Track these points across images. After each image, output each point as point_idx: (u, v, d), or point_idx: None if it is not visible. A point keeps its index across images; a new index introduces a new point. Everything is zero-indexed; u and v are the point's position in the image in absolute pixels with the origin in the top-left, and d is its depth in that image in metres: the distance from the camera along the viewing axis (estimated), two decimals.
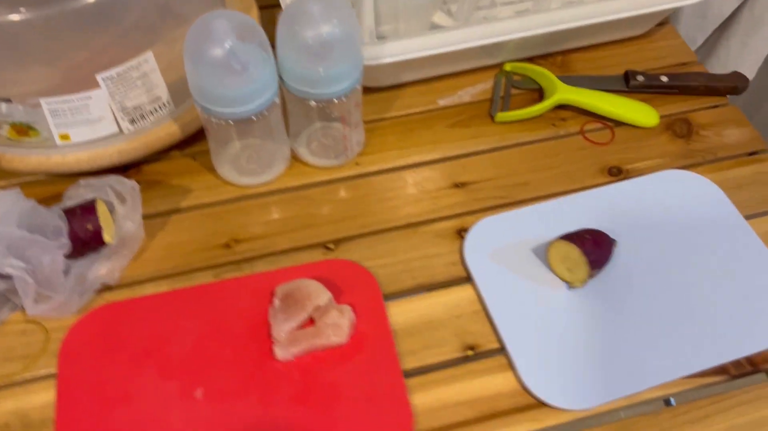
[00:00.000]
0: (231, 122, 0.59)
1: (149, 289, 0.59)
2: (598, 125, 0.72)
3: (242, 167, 0.66)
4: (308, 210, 0.65)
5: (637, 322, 0.56)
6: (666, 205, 0.64)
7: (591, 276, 0.57)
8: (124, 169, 0.67)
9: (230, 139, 0.64)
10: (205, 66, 0.55)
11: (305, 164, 0.68)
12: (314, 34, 0.55)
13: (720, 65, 1.13)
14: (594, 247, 0.56)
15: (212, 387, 0.53)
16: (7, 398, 0.53)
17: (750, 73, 1.15)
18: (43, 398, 0.53)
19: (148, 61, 0.60)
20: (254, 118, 0.59)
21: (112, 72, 0.58)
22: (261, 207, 0.65)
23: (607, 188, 0.66)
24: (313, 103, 0.60)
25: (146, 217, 0.63)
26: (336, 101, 0.60)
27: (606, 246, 0.58)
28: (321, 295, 0.55)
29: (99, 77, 0.58)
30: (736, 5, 1.03)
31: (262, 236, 0.63)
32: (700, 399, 0.53)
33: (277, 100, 0.60)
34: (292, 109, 0.63)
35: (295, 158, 0.68)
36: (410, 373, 0.55)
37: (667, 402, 0.55)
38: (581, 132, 0.71)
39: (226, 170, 0.66)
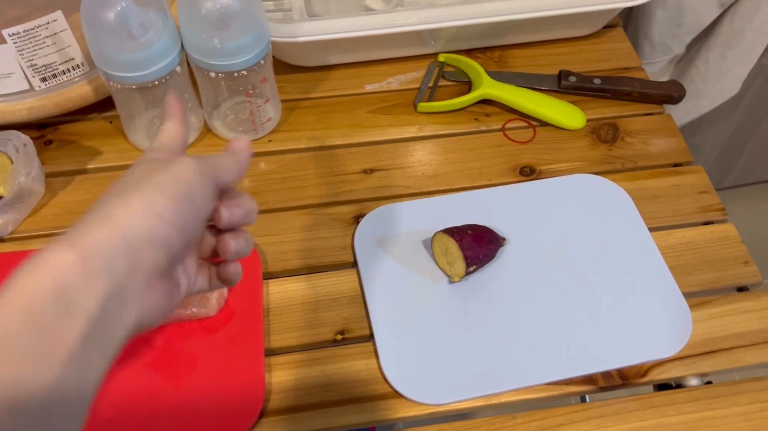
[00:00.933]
0: (133, 87, 0.59)
1: (38, 244, 0.60)
2: (522, 123, 0.71)
3: (154, 134, 0.66)
4: None
5: (512, 323, 0.55)
6: (571, 208, 0.63)
7: (468, 272, 0.56)
8: (40, 126, 0.68)
9: (137, 106, 0.64)
10: (99, 29, 0.55)
11: (218, 137, 0.68)
12: (210, 4, 0.55)
13: (700, 77, 1.10)
14: (474, 243, 0.55)
15: None
16: None
17: (733, 87, 1.11)
18: None
19: (57, 20, 0.60)
20: (155, 85, 0.59)
21: (19, 28, 0.59)
22: None
23: (513, 186, 0.64)
24: (213, 75, 0.60)
25: (51, 175, 0.65)
26: (236, 75, 0.59)
27: (489, 244, 0.57)
28: None
29: (5, 32, 0.59)
30: (714, 16, 1.00)
31: None
32: (559, 407, 0.52)
33: (179, 69, 0.60)
34: (199, 79, 0.63)
35: (209, 130, 0.68)
36: (275, 352, 0.55)
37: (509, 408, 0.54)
38: (502, 129, 0.70)
39: (137, 137, 0.66)
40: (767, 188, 1.56)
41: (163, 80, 0.59)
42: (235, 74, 0.59)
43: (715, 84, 1.10)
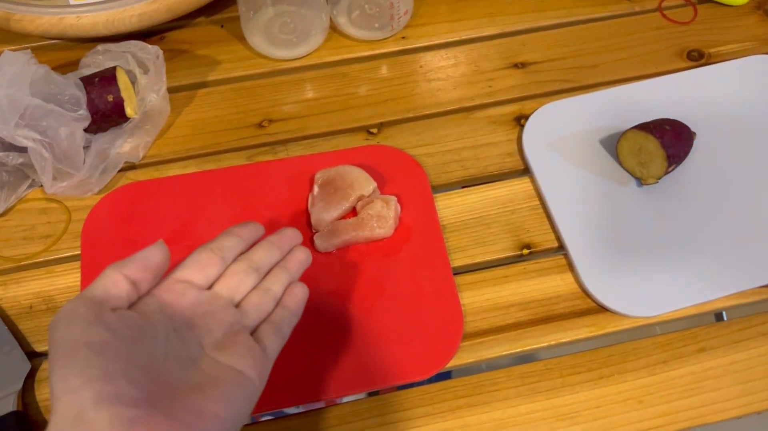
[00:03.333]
0: None
1: (176, 170, 0.54)
2: (680, 1, 0.63)
3: (275, 37, 0.59)
4: (348, 89, 0.58)
5: (712, 225, 0.51)
6: (752, 95, 0.57)
7: (667, 171, 0.51)
8: (145, 36, 0.60)
9: (262, 4, 0.57)
10: None
11: (345, 36, 0.60)
12: None
13: None
14: (674, 139, 0.50)
15: None
16: (29, 279, 0.50)
17: None
18: (67, 280, 0.50)
19: None
20: None
21: None
22: (296, 83, 0.59)
23: (686, 74, 0.58)
24: None
25: (170, 91, 0.58)
26: None
27: (686, 139, 0.51)
28: (365, 184, 0.50)
29: None
30: None
31: (298, 116, 0.57)
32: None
33: None
34: None
35: (334, 29, 0.61)
36: (459, 271, 0.50)
37: (720, 316, 0.51)
38: (659, 8, 0.62)
39: (257, 40, 0.59)
40: None
41: None
42: None
43: None
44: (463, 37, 0.61)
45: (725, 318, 0.56)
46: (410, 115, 0.57)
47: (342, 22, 0.60)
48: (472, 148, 0.55)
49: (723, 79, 0.57)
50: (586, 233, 0.51)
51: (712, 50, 0.60)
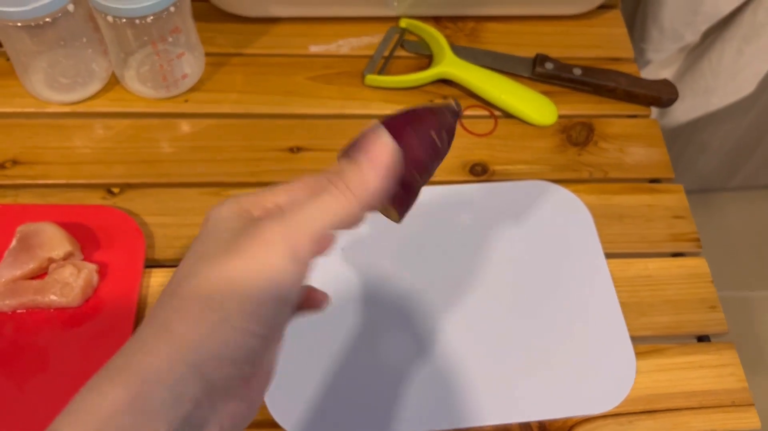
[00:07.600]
0: (18, 25, 0.50)
1: None
2: (483, 112, 0.61)
3: (53, 80, 0.57)
4: (111, 143, 0.56)
5: (422, 354, 0.47)
6: (519, 221, 0.54)
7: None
8: None
9: (26, 48, 0.55)
10: None
11: (127, 91, 0.59)
12: None
13: (711, 72, 0.99)
14: None
15: None
16: None
17: (748, 86, 1.00)
18: None
19: None
20: (44, 24, 0.50)
21: None
22: (59, 129, 0.56)
23: (459, 187, 0.55)
24: (110, 19, 0.50)
25: None
26: (138, 22, 0.50)
27: None
28: (57, 247, 0.47)
29: None
30: (735, 5, 0.88)
31: (46, 162, 0.54)
32: None
33: (72, 8, 0.50)
34: (99, 22, 0.53)
35: (117, 82, 0.59)
36: None
37: None
38: None
39: (32, 86, 0.57)
40: None
41: (53, 19, 0.49)
42: (137, 21, 0.50)
43: (728, 81, 1.00)
44: (250, 112, 0.59)
45: None
46: (163, 180, 0.55)
47: (129, 75, 0.58)
48: None
49: (495, 199, 0.55)
50: None
51: (498, 167, 0.57)
